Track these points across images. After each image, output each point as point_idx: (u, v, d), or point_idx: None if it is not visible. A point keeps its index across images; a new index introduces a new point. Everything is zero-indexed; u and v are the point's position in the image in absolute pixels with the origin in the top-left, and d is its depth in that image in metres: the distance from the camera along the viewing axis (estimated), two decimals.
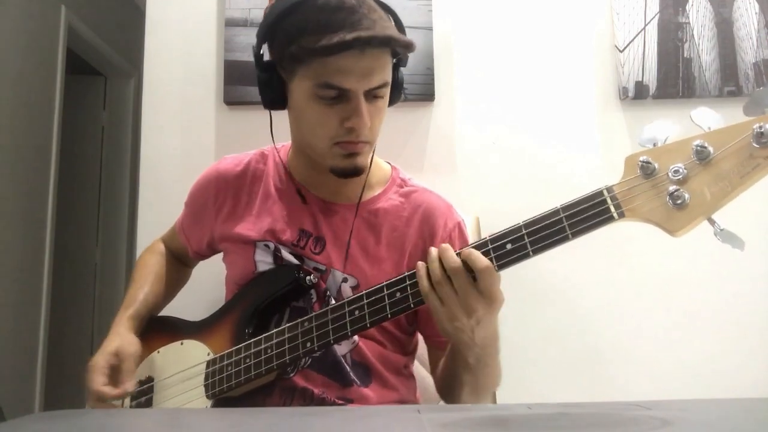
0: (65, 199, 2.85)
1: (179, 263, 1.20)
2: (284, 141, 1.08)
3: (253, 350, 0.90)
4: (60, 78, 2.66)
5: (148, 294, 1.08)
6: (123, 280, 3.21)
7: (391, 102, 0.97)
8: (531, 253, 0.74)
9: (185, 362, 0.97)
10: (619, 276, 1.53)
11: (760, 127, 0.63)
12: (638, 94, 1.56)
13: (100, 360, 0.93)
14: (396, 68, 0.95)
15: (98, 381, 0.91)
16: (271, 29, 0.91)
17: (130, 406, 0.98)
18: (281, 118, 1.02)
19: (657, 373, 1.49)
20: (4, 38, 2.28)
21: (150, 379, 1.00)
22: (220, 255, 1.12)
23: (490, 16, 1.63)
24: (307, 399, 0.95)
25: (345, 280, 0.97)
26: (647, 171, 0.69)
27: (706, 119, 0.67)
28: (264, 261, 1.00)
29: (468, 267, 0.76)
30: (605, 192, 0.71)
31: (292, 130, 1.01)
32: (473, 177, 1.57)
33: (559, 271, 1.51)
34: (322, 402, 0.95)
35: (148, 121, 1.59)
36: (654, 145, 0.70)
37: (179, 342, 1.01)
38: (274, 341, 0.88)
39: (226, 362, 0.92)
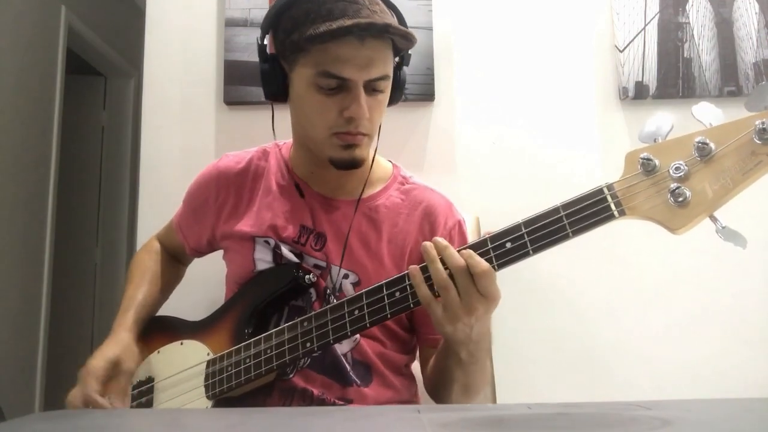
0: (65, 199, 2.85)
1: (174, 261, 1.20)
2: (285, 139, 1.08)
3: (253, 350, 0.90)
4: (60, 78, 2.66)
5: (147, 295, 1.08)
6: (123, 279, 3.19)
7: (393, 101, 0.97)
8: (531, 251, 0.73)
9: (185, 362, 0.97)
10: (619, 275, 1.53)
11: (762, 123, 0.62)
12: (638, 94, 1.56)
13: (99, 365, 0.92)
14: (399, 67, 0.95)
15: (92, 386, 0.90)
16: (274, 19, 0.92)
17: (131, 407, 0.98)
18: (283, 116, 1.02)
19: (657, 373, 1.48)
20: (4, 38, 2.28)
21: (150, 380, 1.00)
22: (220, 254, 1.12)
23: (490, 16, 1.63)
24: (307, 400, 0.95)
25: (346, 276, 0.98)
26: (648, 168, 0.68)
27: (708, 115, 0.66)
28: (263, 259, 1.00)
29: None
30: (605, 190, 0.71)
31: (292, 123, 1.01)
32: (473, 177, 1.57)
33: (558, 270, 1.51)
34: (321, 402, 0.95)
35: (148, 121, 1.59)
36: (655, 141, 0.69)
37: (179, 342, 1.01)
38: (274, 341, 0.88)
39: (226, 362, 0.92)
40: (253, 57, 1.55)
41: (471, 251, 0.76)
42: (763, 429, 0.53)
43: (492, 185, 1.56)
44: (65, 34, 2.70)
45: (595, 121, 1.59)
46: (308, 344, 0.85)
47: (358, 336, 0.96)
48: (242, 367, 0.90)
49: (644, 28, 1.58)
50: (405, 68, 0.98)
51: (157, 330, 1.05)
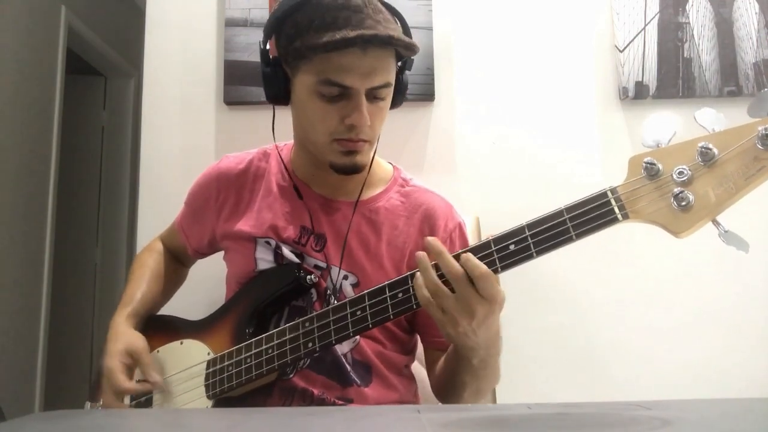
0: (65, 199, 2.85)
1: (177, 262, 1.20)
2: (286, 140, 1.08)
3: (253, 350, 0.90)
4: (60, 78, 2.66)
5: (146, 293, 1.07)
6: (123, 280, 3.19)
7: (394, 105, 0.97)
8: (534, 254, 0.73)
9: (185, 362, 0.97)
10: (619, 275, 1.53)
11: (765, 129, 0.63)
12: (638, 94, 1.56)
13: (115, 362, 0.92)
14: (401, 71, 0.95)
15: (123, 379, 0.91)
16: (277, 24, 0.92)
17: (130, 406, 0.98)
18: (283, 117, 1.02)
19: (657, 373, 1.48)
20: (4, 38, 2.28)
21: None
22: (220, 254, 1.12)
23: (490, 16, 1.63)
24: (307, 399, 0.95)
25: (345, 277, 0.98)
26: (651, 172, 0.69)
27: (711, 121, 0.66)
28: (264, 259, 1.00)
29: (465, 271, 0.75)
30: (609, 193, 0.71)
31: (294, 126, 1.01)
32: (473, 177, 1.57)
33: (559, 270, 1.51)
34: (321, 402, 0.95)
35: (148, 121, 1.59)
36: (658, 145, 0.70)
37: (179, 341, 1.01)
38: (275, 341, 0.88)
39: (226, 362, 0.92)
40: (253, 57, 1.55)
41: (469, 254, 0.75)
42: (763, 429, 0.53)
43: (492, 185, 1.56)
44: (65, 34, 2.70)
45: (595, 121, 1.59)
46: (310, 344, 0.85)
47: (357, 336, 0.96)
48: (243, 367, 0.90)
49: (644, 28, 1.58)
50: (407, 72, 0.97)
51: (157, 329, 1.05)
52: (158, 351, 1.02)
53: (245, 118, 1.58)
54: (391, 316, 0.82)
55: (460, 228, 1.04)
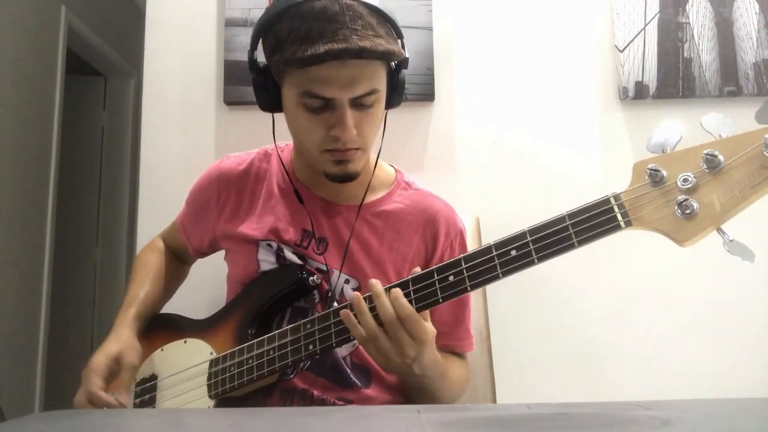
0: (65, 199, 2.85)
1: (178, 261, 1.20)
2: (287, 140, 1.08)
3: (255, 351, 0.90)
4: (60, 78, 2.66)
5: (148, 292, 1.07)
6: (123, 280, 3.21)
7: (393, 105, 0.95)
8: (536, 260, 0.73)
9: (188, 361, 0.97)
10: (619, 276, 1.53)
11: None
12: (638, 94, 1.56)
13: (101, 362, 0.92)
14: (398, 70, 0.93)
15: (96, 383, 0.90)
16: (261, 34, 0.90)
17: (134, 405, 0.98)
18: (283, 118, 1.01)
19: (657, 373, 1.48)
20: (4, 38, 2.27)
21: (153, 377, 1.00)
22: (221, 253, 1.12)
23: (490, 16, 1.63)
24: (307, 400, 0.95)
25: (347, 281, 0.98)
26: (656, 179, 0.67)
27: (717, 126, 0.65)
28: (267, 260, 1.00)
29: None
30: (612, 200, 0.70)
31: (290, 131, 1.01)
32: (473, 177, 1.57)
33: (559, 270, 1.51)
34: (322, 403, 0.95)
35: (148, 121, 1.59)
36: (663, 151, 0.68)
37: (183, 340, 1.01)
38: (277, 343, 0.88)
39: (229, 362, 0.92)
40: None
41: (399, 294, 0.78)
42: (763, 429, 0.53)
43: (492, 185, 1.56)
44: (65, 34, 2.70)
45: (595, 121, 1.59)
46: (310, 346, 0.85)
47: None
48: (245, 367, 0.90)
49: (644, 28, 1.58)
50: (404, 71, 0.94)
51: (161, 327, 1.05)
52: (162, 349, 1.02)
53: (245, 118, 1.57)
54: None
55: (461, 236, 1.04)
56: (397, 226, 1.01)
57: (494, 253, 0.75)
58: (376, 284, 0.80)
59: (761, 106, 0.64)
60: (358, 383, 0.97)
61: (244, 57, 1.57)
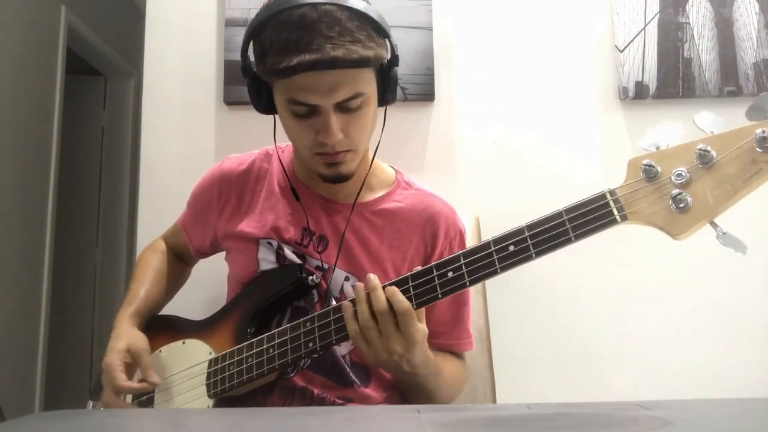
0: (65, 199, 2.85)
1: (180, 262, 1.20)
2: (287, 141, 1.08)
3: (255, 350, 0.90)
4: (60, 78, 2.66)
5: (149, 292, 1.08)
6: (123, 280, 3.21)
7: (387, 103, 0.95)
8: (534, 255, 0.74)
9: (187, 361, 0.97)
10: (619, 276, 1.53)
11: (763, 132, 0.64)
12: (638, 94, 1.56)
13: (114, 359, 0.93)
14: (390, 67, 0.91)
15: (121, 377, 0.91)
16: (249, 42, 0.91)
17: (133, 405, 0.98)
18: None
19: (657, 373, 1.48)
20: (4, 38, 2.28)
21: None
22: (221, 254, 1.12)
23: (490, 16, 1.63)
24: (307, 398, 0.95)
25: (347, 278, 0.98)
26: (650, 174, 0.69)
27: (709, 123, 0.67)
28: (267, 259, 1.00)
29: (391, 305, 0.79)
30: (608, 195, 0.72)
31: None
32: (473, 177, 1.57)
33: (558, 270, 1.51)
34: (322, 402, 0.95)
35: (148, 121, 1.59)
36: (657, 148, 0.70)
37: (181, 341, 1.01)
38: (276, 341, 0.88)
39: (228, 362, 0.92)
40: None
41: (395, 290, 0.79)
42: (763, 429, 0.53)
43: (492, 186, 1.56)
44: (65, 34, 2.70)
45: (595, 121, 1.59)
46: (310, 344, 0.86)
47: None
48: (244, 366, 0.90)
49: (644, 28, 1.58)
50: (396, 68, 0.93)
51: (159, 329, 1.05)
52: (161, 351, 1.02)
53: (245, 118, 1.57)
54: None
55: (461, 236, 1.05)
56: (397, 224, 1.01)
57: (492, 248, 0.76)
58: (374, 278, 0.81)
59: (752, 104, 0.66)
60: (358, 382, 0.97)
61: None
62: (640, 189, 0.70)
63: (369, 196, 1.02)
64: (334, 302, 0.95)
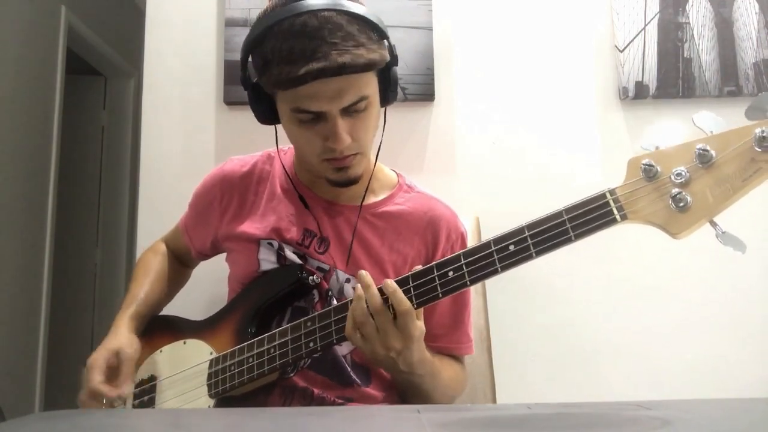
0: (65, 199, 2.85)
1: (180, 264, 1.20)
2: (289, 144, 1.08)
3: (255, 350, 0.90)
4: (60, 78, 2.66)
5: (149, 293, 1.08)
6: (123, 280, 3.21)
7: (388, 102, 0.96)
8: (534, 254, 0.74)
9: (188, 361, 0.97)
10: (618, 274, 1.53)
11: (762, 132, 0.64)
12: (638, 94, 1.56)
13: (100, 357, 0.93)
14: (388, 69, 0.92)
15: (96, 378, 0.90)
16: (248, 56, 0.91)
17: (133, 406, 0.98)
18: None
19: (656, 373, 1.48)
20: (4, 38, 2.28)
21: (152, 378, 1.00)
22: (222, 254, 1.12)
23: (490, 16, 1.62)
24: (308, 398, 0.95)
25: (348, 280, 0.98)
26: (650, 174, 0.70)
27: (709, 123, 0.67)
28: (267, 260, 1.00)
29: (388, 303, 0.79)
30: (608, 194, 0.72)
31: None
32: (473, 177, 1.57)
33: (557, 269, 1.51)
34: (322, 401, 0.95)
35: (148, 121, 1.59)
36: (656, 148, 0.70)
37: (182, 341, 1.01)
38: (277, 341, 0.88)
39: (228, 362, 0.92)
40: None
41: (396, 289, 0.79)
42: (763, 429, 0.53)
43: (492, 186, 1.56)
44: (65, 34, 2.70)
45: (595, 121, 1.59)
46: (311, 344, 0.86)
47: None
48: (245, 366, 0.90)
49: (644, 28, 1.58)
50: (395, 68, 0.93)
51: (160, 329, 1.05)
52: (161, 350, 1.02)
53: (245, 118, 1.56)
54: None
55: (462, 239, 1.05)
56: (398, 226, 1.01)
57: (493, 248, 0.76)
58: (366, 275, 0.82)
59: (751, 103, 0.66)
60: (358, 381, 0.97)
61: None
62: (640, 188, 0.70)
63: (371, 199, 1.03)
64: (335, 302, 0.95)
